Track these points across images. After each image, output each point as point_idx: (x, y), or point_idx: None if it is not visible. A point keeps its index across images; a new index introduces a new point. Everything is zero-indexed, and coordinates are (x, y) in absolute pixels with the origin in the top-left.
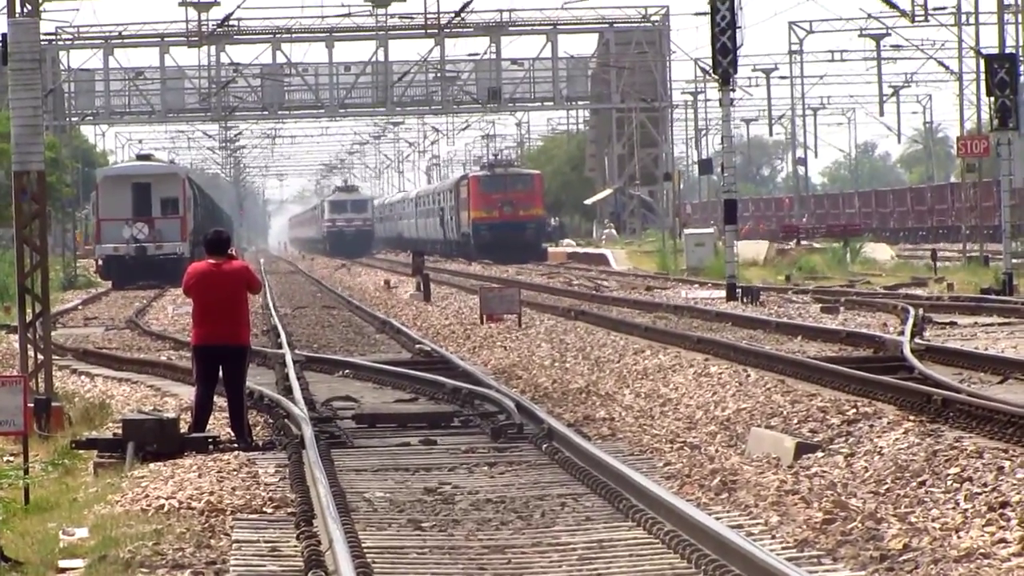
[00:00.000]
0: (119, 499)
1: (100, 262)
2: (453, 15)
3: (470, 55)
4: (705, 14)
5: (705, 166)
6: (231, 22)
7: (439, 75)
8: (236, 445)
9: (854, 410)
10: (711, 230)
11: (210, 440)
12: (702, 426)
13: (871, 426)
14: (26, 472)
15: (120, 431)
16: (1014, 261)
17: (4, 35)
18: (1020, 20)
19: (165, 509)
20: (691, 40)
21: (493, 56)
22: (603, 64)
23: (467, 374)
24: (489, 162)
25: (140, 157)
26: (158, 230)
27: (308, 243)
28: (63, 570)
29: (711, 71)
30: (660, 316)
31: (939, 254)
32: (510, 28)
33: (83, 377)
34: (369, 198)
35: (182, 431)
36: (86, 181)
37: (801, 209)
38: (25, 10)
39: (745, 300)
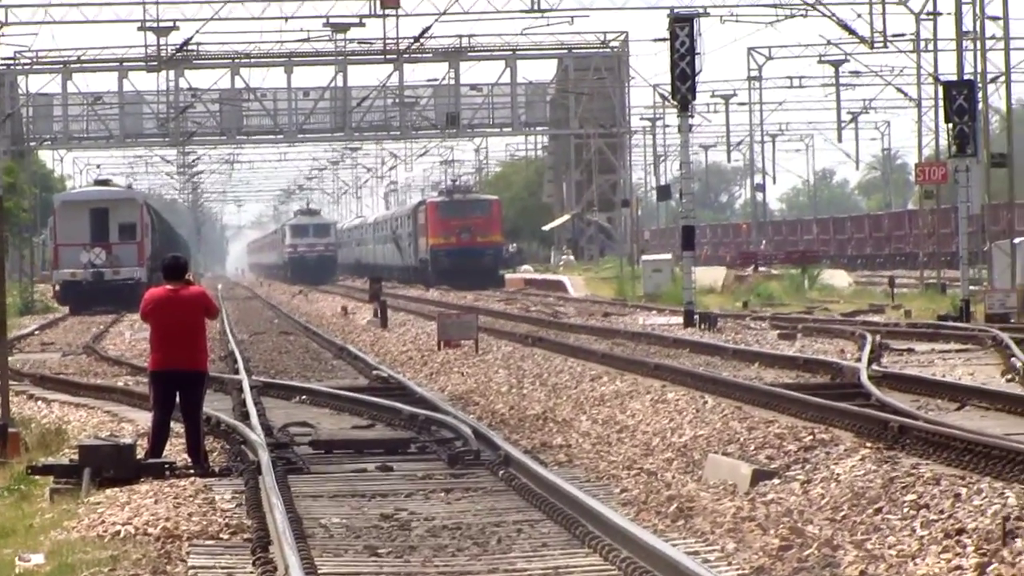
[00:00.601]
0: (75, 525)
1: (57, 287)
2: (412, 41)
3: (429, 80)
4: (664, 40)
5: (663, 192)
6: (190, 47)
7: (398, 101)
8: (193, 471)
9: (811, 437)
10: (668, 256)
11: (167, 466)
12: (659, 452)
13: (828, 453)
14: None
15: (77, 457)
16: (971, 288)
17: None
18: (978, 47)
19: (121, 535)
20: (650, 66)
21: (452, 82)
22: (562, 90)
23: (424, 400)
24: (447, 188)
25: (98, 182)
26: (115, 255)
27: (268, 269)
28: None
29: (670, 97)
30: (617, 342)
31: (897, 281)
32: (469, 54)
33: (40, 403)
34: (332, 222)
35: (139, 457)
36: (44, 206)
37: (759, 235)
38: None
39: (703, 326)
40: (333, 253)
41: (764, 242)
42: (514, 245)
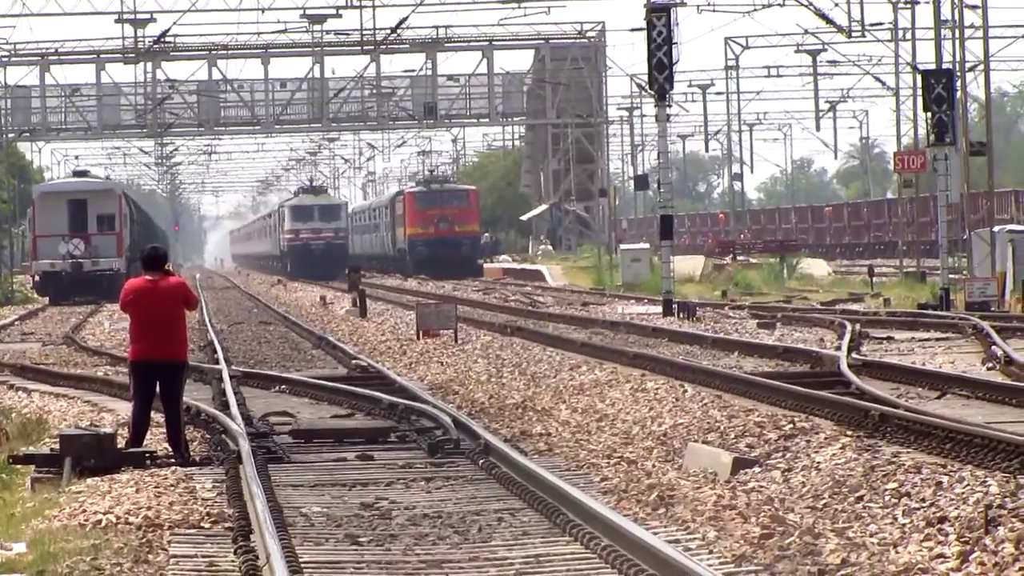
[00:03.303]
0: (57, 514)
1: (36, 278)
2: (389, 31)
3: (406, 71)
4: (641, 30)
5: (641, 182)
6: (167, 39)
7: (375, 91)
8: (173, 460)
9: (791, 425)
10: (646, 246)
11: (147, 455)
12: (639, 441)
13: (808, 441)
14: None
15: (57, 446)
16: (951, 276)
17: None
18: (957, 36)
19: (103, 524)
20: (627, 56)
21: (429, 72)
22: (539, 80)
23: (403, 389)
24: (425, 178)
25: (76, 173)
26: (94, 246)
27: (258, 261)
28: None
29: (647, 87)
30: (596, 332)
31: (876, 270)
32: (446, 44)
33: (20, 393)
34: (342, 203)
35: (119, 446)
36: (22, 197)
37: (737, 224)
38: None
39: (681, 316)
40: (344, 241)
41: (745, 231)
42: (487, 235)
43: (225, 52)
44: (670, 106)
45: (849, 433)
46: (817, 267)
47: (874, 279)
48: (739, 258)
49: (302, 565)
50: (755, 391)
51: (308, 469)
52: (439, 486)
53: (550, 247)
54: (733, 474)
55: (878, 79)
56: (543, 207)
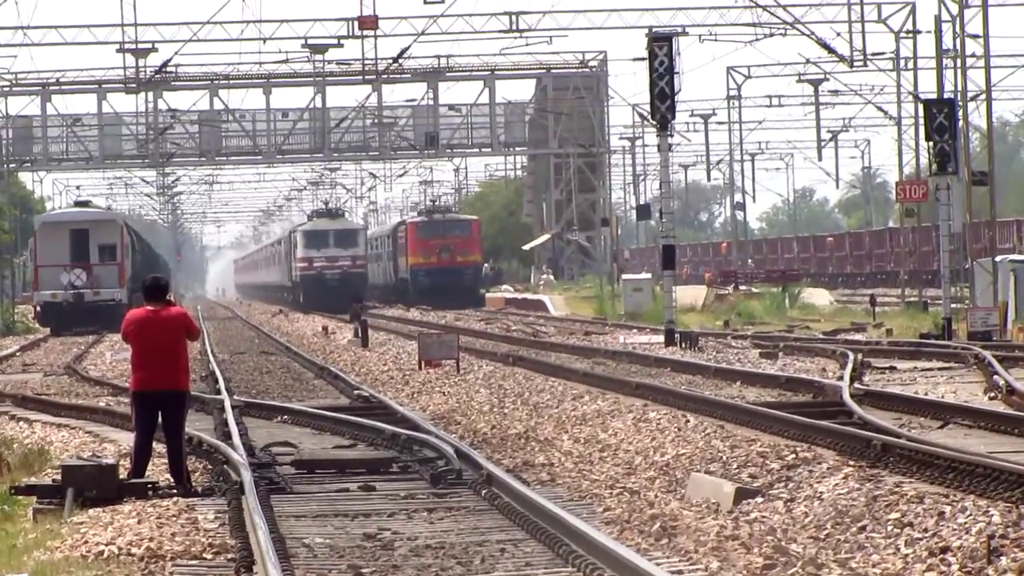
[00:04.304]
0: (59, 545)
1: (38, 308)
2: (391, 61)
3: (407, 101)
4: (643, 60)
5: (643, 211)
6: (169, 68)
7: (376, 121)
8: (175, 491)
9: (793, 455)
10: (648, 276)
11: (149, 486)
12: (641, 471)
13: (811, 471)
14: None
15: (59, 477)
16: (953, 306)
17: None
18: (958, 65)
19: (104, 555)
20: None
21: (430, 102)
22: (541, 110)
23: (406, 420)
24: (427, 208)
25: (78, 203)
26: (96, 276)
27: (265, 292)
28: None
29: (649, 116)
30: (598, 362)
31: (878, 299)
32: (447, 74)
33: (22, 423)
34: (361, 227)
35: (121, 477)
36: (24, 228)
37: (740, 254)
38: None
39: (684, 345)
40: (363, 269)
41: (749, 260)
42: (487, 265)
43: (227, 82)
44: (672, 135)
45: (852, 463)
46: (819, 297)
47: (876, 309)
48: (741, 288)
49: None
50: (757, 421)
51: (310, 500)
52: (441, 517)
53: (552, 277)
54: (736, 504)
55: (880, 108)
56: (545, 237)
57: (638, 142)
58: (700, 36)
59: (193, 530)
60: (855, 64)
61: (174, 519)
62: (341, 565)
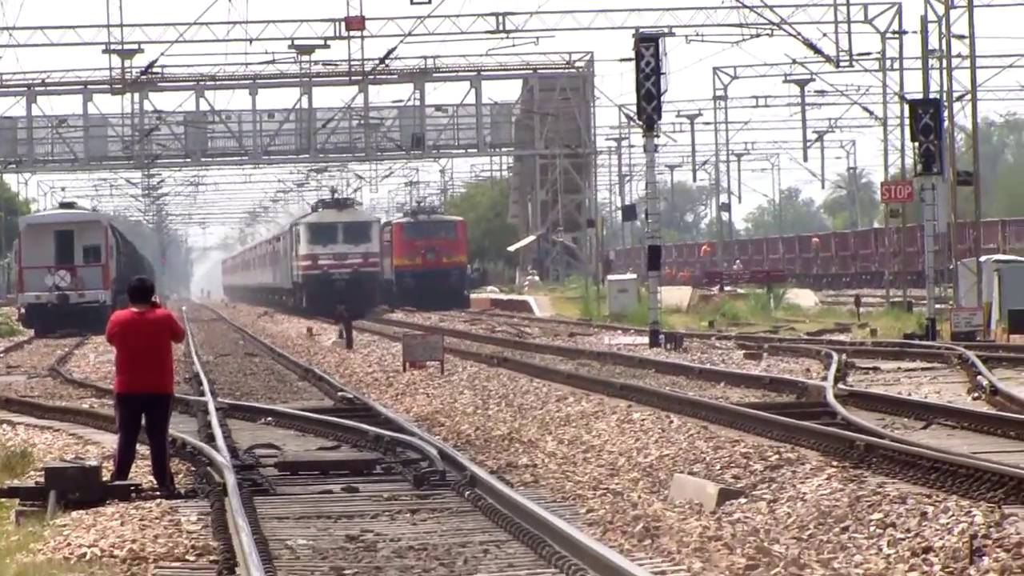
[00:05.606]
0: (41, 547)
1: (22, 310)
2: (377, 62)
3: (394, 102)
4: (629, 60)
5: (628, 212)
6: (155, 69)
7: (363, 122)
8: (159, 493)
9: (777, 456)
10: (634, 276)
11: (133, 488)
12: (625, 472)
13: (794, 472)
14: None
15: (42, 479)
16: (937, 306)
17: None
18: (944, 66)
19: (87, 557)
20: (615, 86)
21: (417, 103)
22: (527, 110)
23: (389, 421)
24: (412, 209)
25: (63, 205)
26: (80, 278)
27: (258, 295)
28: None
29: (635, 117)
30: (583, 363)
31: (863, 299)
32: (434, 75)
33: (5, 425)
34: (373, 219)
35: (104, 479)
36: (9, 229)
37: (725, 255)
38: None
39: (668, 346)
40: (375, 268)
41: (738, 261)
42: (472, 266)
43: (213, 83)
44: (658, 136)
45: (835, 464)
46: (804, 297)
47: (861, 309)
48: (726, 288)
49: None
50: (741, 422)
51: (294, 501)
52: (425, 518)
53: (537, 278)
54: (719, 505)
55: (866, 109)
56: (531, 238)
57: (624, 143)
58: (687, 37)
59: (176, 532)
60: (841, 64)
61: (157, 521)
62: (324, 567)
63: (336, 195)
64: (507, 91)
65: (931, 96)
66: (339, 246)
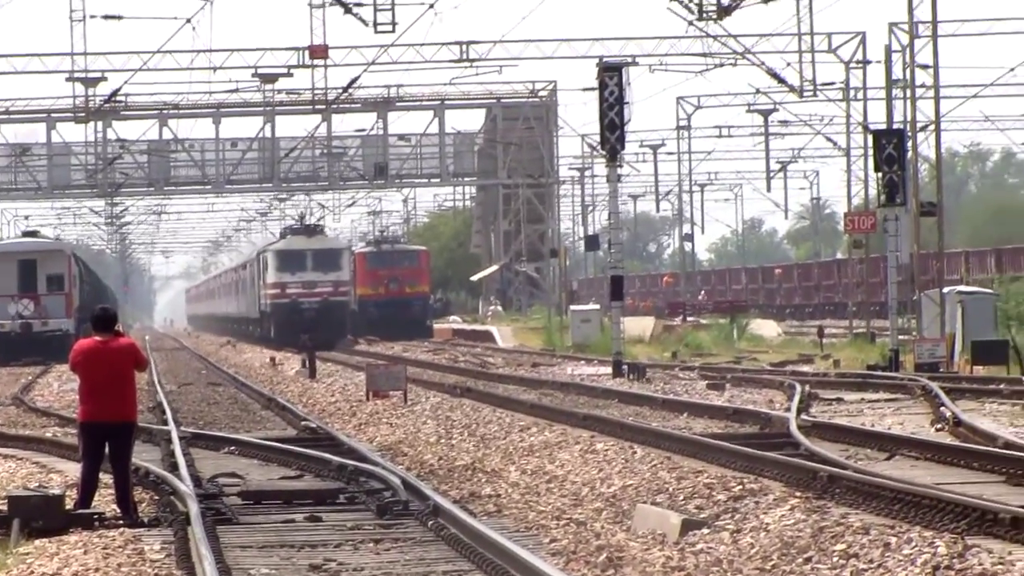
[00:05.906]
0: (4, 575)
1: None
2: (340, 91)
3: (357, 131)
4: (593, 90)
5: (592, 242)
6: (118, 98)
7: (326, 151)
8: (122, 521)
9: (740, 486)
10: (597, 307)
11: (96, 516)
12: (588, 503)
13: (757, 502)
14: None
15: (5, 507)
16: (900, 337)
17: None
18: (908, 96)
19: None
20: (579, 116)
21: (380, 132)
22: (490, 140)
23: (353, 451)
24: (375, 238)
25: (26, 234)
26: (44, 306)
27: (225, 324)
28: None
29: (599, 147)
30: (546, 393)
31: (826, 330)
32: (397, 104)
33: None
34: (344, 246)
35: (68, 507)
36: None
37: (687, 286)
38: None
39: (631, 377)
40: (345, 297)
41: (703, 292)
42: (435, 296)
43: (176, 111)
44: (621, 166)
45: (798, 494)
46: (767, 328)
47: (824, 340)
48: (689, 319)
49: None
50: (704, 452)
51: (257, 530)
52: (388, 548)
53: (500, 308)
54: (682, 535)
55: (829, 139)
56: (494, 268)
57: (587, 172)
58: (650, 66)
59: (139, 561)
60: (805, 94)
61: (120, 550)
62: None
63: (305, 222)
64: (470, 120)
65: (895, 126)
66: (308, 274)
